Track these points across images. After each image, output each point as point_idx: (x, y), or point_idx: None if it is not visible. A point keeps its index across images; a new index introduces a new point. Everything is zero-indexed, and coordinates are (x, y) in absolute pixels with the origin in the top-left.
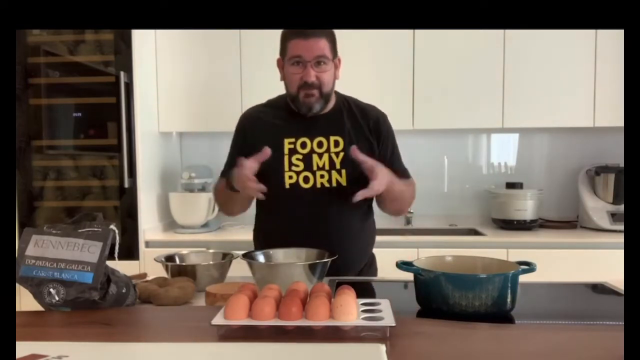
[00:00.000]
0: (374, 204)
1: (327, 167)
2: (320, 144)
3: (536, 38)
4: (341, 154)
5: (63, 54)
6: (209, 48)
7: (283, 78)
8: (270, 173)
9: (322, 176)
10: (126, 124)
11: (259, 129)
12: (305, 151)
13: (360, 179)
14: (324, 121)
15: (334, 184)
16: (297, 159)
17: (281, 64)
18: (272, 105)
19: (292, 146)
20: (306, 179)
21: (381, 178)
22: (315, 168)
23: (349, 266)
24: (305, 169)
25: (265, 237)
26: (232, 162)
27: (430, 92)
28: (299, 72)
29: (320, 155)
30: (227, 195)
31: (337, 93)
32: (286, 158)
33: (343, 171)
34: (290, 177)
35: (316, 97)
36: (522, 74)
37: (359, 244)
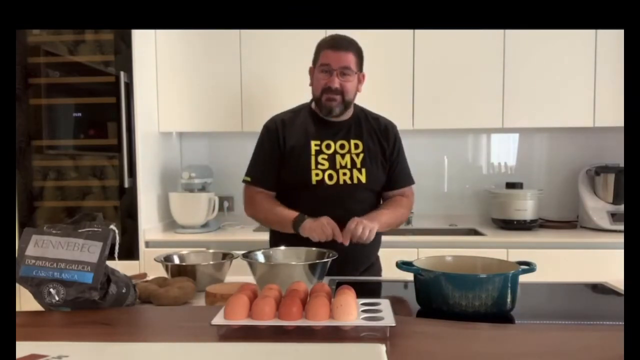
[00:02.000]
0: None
1: (349, 166)
2: (342, 146)
3: (536, 38)
4: (361, 155)
5: (63, 54)
6: (209, 48)
7: (311, 83)
8: (298, 171)
9: (344, 174)
10: (126, 124)
11: (288, 132)
12: (329, 152)
13: (377, 179)
14: (344, 127)
15: (355, 181)
16: (323, 159)
17: (312, 71)
18: (297, 112)
19: (317, 147)
20: (330, 177)
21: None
22: (338, 167)
23: (356, 263)
24: (330, 168)
25: (282, 235)
26: (261, 166)
27: (430, 92)
28: (325, 79)
29: (342, 156)
30: (277, 221)
31: (354, 105)
32: (313, 158)
33: (363, 170)
34: (317, 175)
35: (337, 101)
36: (522, 74)
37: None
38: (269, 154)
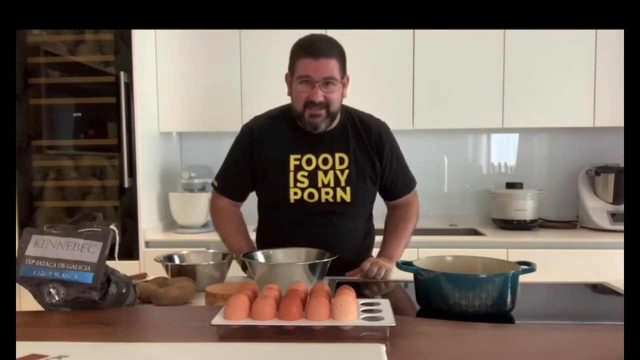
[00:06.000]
0: (377, 214)
1: (332, 184)
2: (325, 161)
3: (536, 38)
4: (346, 172)
5: (63, 54)
6: (209, 48)
7: (290, 93)
8: (275, 188)
9: (327, 193)
10: (126, 124)
11: (265, 144)
12: (310, 168)
13: (364, 196)
14: (329, 138)
15: (339, 200)
16: (303, 176)
17: (289, 79)
18: (276, 117)
19: (297, 162)
20: (311, 195)
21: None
22: (320, 185)
23: (349, 270)
24: (310, 186)
25: (266, 246)
26: (229, 174)
27: (430, 92)
28: (307, 91)
29: (325, 173)
30: (228, 245)
31: (341, 106)
32: (291, 175)
33: (348, 188)
34: (295, 194)
35: (322, 117)
36: (522, 74)
37: (360, 251)
38: (240, 164)
